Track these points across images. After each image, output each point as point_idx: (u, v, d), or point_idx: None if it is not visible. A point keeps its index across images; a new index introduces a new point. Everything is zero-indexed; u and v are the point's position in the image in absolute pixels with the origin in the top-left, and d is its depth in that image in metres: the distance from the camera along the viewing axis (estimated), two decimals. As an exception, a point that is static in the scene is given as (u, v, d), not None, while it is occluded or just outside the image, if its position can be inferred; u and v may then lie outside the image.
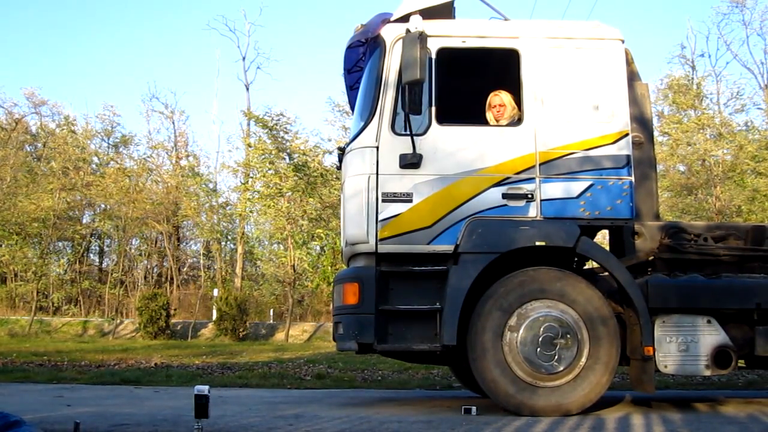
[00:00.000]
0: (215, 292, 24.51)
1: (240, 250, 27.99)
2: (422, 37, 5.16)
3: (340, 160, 6.08)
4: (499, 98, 5.87)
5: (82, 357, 12.23)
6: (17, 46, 47.81)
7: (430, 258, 5.44)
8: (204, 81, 59.72)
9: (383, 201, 5.42)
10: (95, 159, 30.65)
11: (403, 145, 5.44)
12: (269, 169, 23.32)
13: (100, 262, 31.37)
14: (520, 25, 5.93)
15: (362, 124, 5.66)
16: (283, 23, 50.37)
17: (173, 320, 21.95)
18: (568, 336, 5.23)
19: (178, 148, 31.16)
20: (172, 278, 27.84)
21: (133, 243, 29.08)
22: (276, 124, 23.42)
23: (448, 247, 5.38)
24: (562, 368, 5.20)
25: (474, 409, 5.35)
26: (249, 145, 24.88)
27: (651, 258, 5.77)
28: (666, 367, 5.35)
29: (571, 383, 5.22)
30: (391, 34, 5.63)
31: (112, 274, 26.54)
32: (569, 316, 5.28)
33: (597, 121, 5.63)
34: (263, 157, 23.34)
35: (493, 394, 5.25)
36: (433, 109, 5.57)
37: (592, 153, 5.56)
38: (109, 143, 31.71)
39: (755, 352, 5.44)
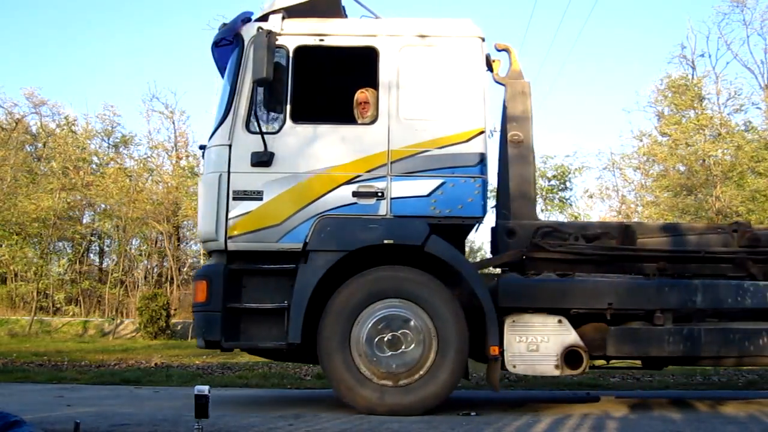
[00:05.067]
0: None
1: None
2: (270, 37, 5.23)
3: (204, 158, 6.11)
4: (365, 96, 5.85)
5: (82, 357, 12.24)
6: (17, 46, 47.81)
7: (281, 256, 5.45)
8: (204, 81, 59.70)
9: (234, 199, 5.46)
10: (95, 159, 30.59)
11: (257, 143, 5.48)
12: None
13: (100, 262, 31.34)
14: (380, 24, 5.93)
15: (218, 122, 5.70)
16: (283, 23, 50.27)
17: (173, 320, 21.93)
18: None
19: (178, 148, 31.11)
20: (172, 278, 27.81)
21: (134, 243, 29.04)
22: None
23: (297, 245, 5.41)
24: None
25: (473, 413, 5.36)
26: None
27: (523, 257, 5.80)
28: (515, 366, 5.35)
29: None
30: (249, 33, 5.62)
31: (112, 274, 26.52)
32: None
33: (452, 119, 5.61)
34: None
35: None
36: (288, 107, 5.60)
37: (444, 151, 5.55)
38: (109, 143, 31.64)
39: (606, 352, 5.45)
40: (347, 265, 5.39)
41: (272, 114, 5.99)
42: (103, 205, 28.06)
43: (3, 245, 24.96)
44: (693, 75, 25.11)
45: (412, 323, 5.27)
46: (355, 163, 5.53)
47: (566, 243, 5.84)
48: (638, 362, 6.23)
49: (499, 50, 6.38)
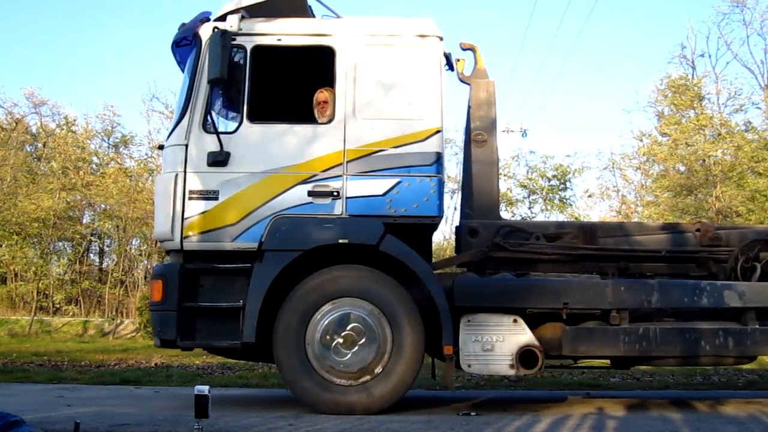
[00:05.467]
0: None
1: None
2: (225, 36, 5.25)
3: None
4: (324, 95, 5.85)
5: (82, 357, 12.24)
6: (17, 46, 47.80)
7: (237, 255, 5.45)
8: (204, 81, 59.57)
9: (190, 198, 5.47)
10: (95, 159, 30.59)
11: (214, 143, 5.48)
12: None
13: (101, 262, 31.32)
14: (337, 23, 5.93)
15: (175, 122, 5.72)
16: (283, 23, 50.31)
17: (173, 320, 21.89)
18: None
19: (178, 148, 31.08)
20: (172, 278, 27.79)
21: (134, 243, 29.04)
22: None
23: (252, 245, 5.41)
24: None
25: (473, 413, 5.35)
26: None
27: (484, 257, 5.81)
28: (470, 366, 5.35)
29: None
30: (207, 33, 5.61)
31: (112, 274, 26.51)
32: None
33: (409, 118, 5.60)
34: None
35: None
36: (245, 107, 5.61)
37: (400, 150, 5.54)
38: (109, 143, 31.64)
39: (562, 352, 5.43)
40: (305, 264, 5.40)
41: (230, 114, 6.06)
42: (103, 205, 28.03)
43: (3, 245, 24.95)
44: (693, 75, 25.13)
45: (366, 322, 5.29)
46: (310, 163, 5.53)
47: (527, 243, 5.86)
48: (606, 362, 6.20)
49: (464, 49, 6.37)
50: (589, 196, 27.23)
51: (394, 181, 5.49)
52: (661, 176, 24.34)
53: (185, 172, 5.50)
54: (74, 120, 30.04)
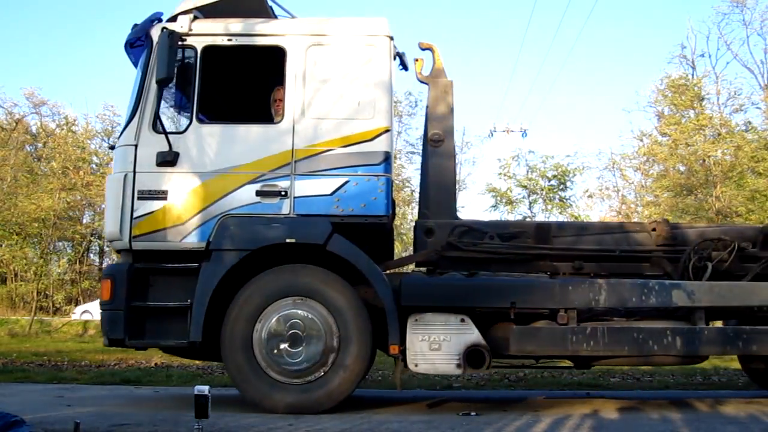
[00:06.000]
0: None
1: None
2: (172, 37, 5.27)
3: None
4: (280, 94, 5.83)
5: (82, 357, 12.23)
6: (17, 46, 47.81)
7: (186, 255, 5.46)
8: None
9: (139, 198, 5.48)
10: (95, 159, 30.65)
11: (163, 143, 5.48)
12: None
13: (101, 262, 31.34)
14: (288, 23, 5.95)
15: (126, 122, 5.73)
16: (283, 23, 50.30)
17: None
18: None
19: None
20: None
21: (133, 243, 29.06)
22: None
23: (200, 244, 5.42)
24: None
25: (473, 413, 5.35)
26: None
27: (438, 256, 5.82)
28: (416, 365, 5.35)
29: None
30: (157, 33, 5.60)
31: (112, 274, 26.52)
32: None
33: (357, 117, 5.60)
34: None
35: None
36: (195, 107, 5.62)
37: (349, 150, 5.54)
38: (109, 143, 31.68)
39: (509, 351, 5.42)
40: (255, 264, 5.40)
41: (181, 114, 6.04)
42: (103, 205, 28.03)
43: (3, 245, 24.97)
44: (693, 75, 25.16)
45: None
46: (259, 162, 5.53)
47: (481, 242, 5.87)
48: (568, 362, 6.19)
49: (422, 49, 6.35)
50: (589, 196, 27.26)
51: (342, 180, 5.49)
52: (661, 176, 24.37)
53: (135, 172, 5.51)
54: (74, 120, 30.13)
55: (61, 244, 29.05)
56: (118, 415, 5.16)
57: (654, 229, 6.07)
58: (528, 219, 24.06)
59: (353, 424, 4.81)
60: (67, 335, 21.58)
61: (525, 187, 26.30)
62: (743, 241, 5.97)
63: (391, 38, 5.79)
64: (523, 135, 30.70)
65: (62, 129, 29.59)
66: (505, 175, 27.03)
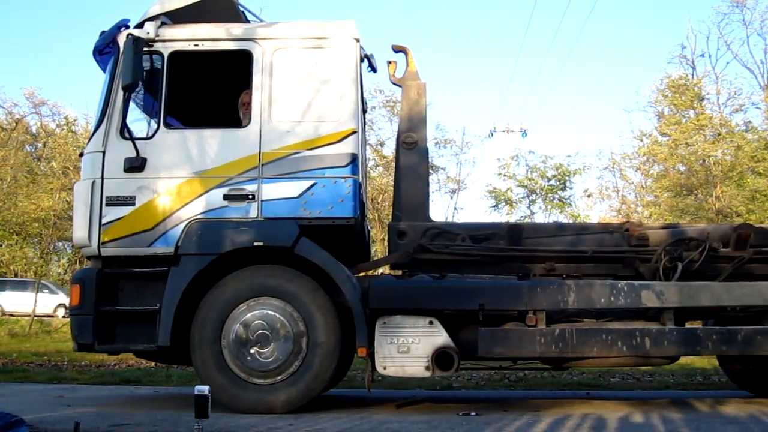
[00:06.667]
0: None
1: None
2: (138, 43, 5.32)
3: None
4: (247, 97, 5.84)
5: (82, 357, 12.21)
6: (17, 46, 47.81)
7: (156, 260, 5.46)
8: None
9: (107, 205, 5.50)
10: (95, 159, 30.61)
11: (131, 149, 5.50)
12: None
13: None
14: (254, 28, 5.95)
15: (94, 129, 5.75)
16: (283, 23, 50.30)
17: (173, 320, 21.87)
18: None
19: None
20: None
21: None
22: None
23: (168, 249, 5.44)
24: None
25: (473, 413, 5.36)
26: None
27: (410, 259, 5.81)
28: (385, 368, 5.34)
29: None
30: (123, 40, 5.62)
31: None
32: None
33: (324, 120, 5.61)
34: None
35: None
36: (162, 113, 5.64)
37: (315, 152, 5.54)
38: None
39: (477, 353, 5.41)
40: (224, 268, 5.42)
41: (147, 120, 6.07)
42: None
43: (3, 245, 24.97)
44: (693, 75, 25.15)
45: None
46: (226, 167, 5.53)
47: (452, 244, 5.85)
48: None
49: (396, 51, 6.34)
50: (589, 196, 27.25)
51: (309, 183, 5.48)
52: (661, 176, 24.35)
53: (102, 178, 5.52)
54: (74, 120, 30.07)
55: (61, 244, 29.00)
56: (118, 415, 5.16)
57: (626, 230, 6.05)
58: (527, 219, 24.01)
59: (353, 424, 4.81)
60: (67, 335, 21.47)
61: (525, 187, 26.29)
62: (716, 241, 5.91)
63: (358, 40, 5.80)
64: (523, 135, 30.70)
65: (62, 129, 29.57)
66: (504, 175, 27.02)
